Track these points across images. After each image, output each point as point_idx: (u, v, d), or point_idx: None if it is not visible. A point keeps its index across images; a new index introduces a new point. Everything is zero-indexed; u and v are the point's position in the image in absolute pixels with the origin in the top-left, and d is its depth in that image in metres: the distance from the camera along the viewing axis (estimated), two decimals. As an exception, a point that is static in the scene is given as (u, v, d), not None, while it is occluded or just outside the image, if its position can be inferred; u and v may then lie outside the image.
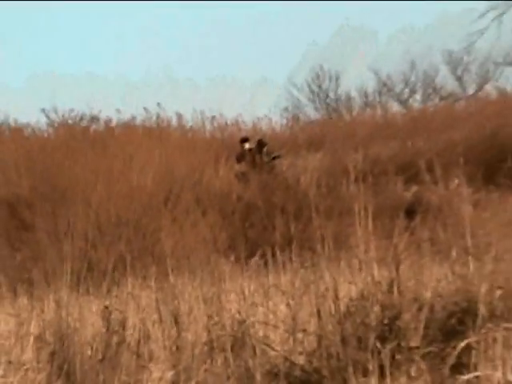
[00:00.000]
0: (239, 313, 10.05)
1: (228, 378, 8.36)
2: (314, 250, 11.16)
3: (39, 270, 11.63)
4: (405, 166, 24.26)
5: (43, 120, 28.23)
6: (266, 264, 12.98)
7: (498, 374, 5.93)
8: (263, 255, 13.56)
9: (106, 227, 18.63)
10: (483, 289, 8.11)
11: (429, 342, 7.80)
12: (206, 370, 8.53)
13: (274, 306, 10.34)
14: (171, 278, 10.76)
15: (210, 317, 9.84)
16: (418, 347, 7.67)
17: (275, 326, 9.69)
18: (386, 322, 8.77)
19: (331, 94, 38.45)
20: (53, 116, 27.88)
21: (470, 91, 36.84)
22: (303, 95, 38.54)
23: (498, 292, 7.93)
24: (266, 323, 9.79)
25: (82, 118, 27.65)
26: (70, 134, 27.20)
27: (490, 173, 21.01)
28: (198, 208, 20.14)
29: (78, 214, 19.26)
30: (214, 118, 28.75)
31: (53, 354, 9.05)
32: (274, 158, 25.22)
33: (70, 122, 27.47)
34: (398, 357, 7.62)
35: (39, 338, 9.44)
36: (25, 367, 8.72)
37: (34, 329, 9.66)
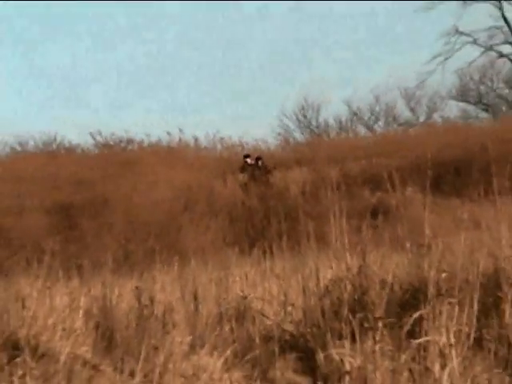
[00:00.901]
0: (242, 291, 10.12)
1: (233, 341, 8.38)
2: (300, 244, 11.24)
3: (87, 260, 11.65)
4: (371, 177, 24.25)
5: (90, 141, 28.24)
6: (263, 254, 13.03)
7: (443, 339, 5.97)
8: (261, 247, 13.62)
9: (138, 227, 18.65)
10: (431, 272, 8.13)
11: (389, 313, 7.80)
12: (216, 336, 8.54)
13: (269, 286, 10.38)
14: (193, 263, 10.80)
15: (219, 294, 9.89)
16: (380, 317, 7.68)
17: (270, 302, 9.74)
18: (356, 297, 8.84)
19: (313, 122, 38.32)
20: (98, 138, 27.91)
21: (421, 119, 36.93)
22: (292, 122, 38.44)
23: (443, 275, 7.95)
24: (262, 299, 9.84)
25: (120, 141, 27.65)
26: (111, 153, 27.18)
27: (436, 182, 20.93)
28: (210, 212, 20.14)
29: (117, 216, 19.35)
30: (222, 139, 28.81)
31: (98, 323, 9.07)
32: (268, 172, 25.26)
33: (111, 143, 27.49)
34: (365, 325, 7.62)
35: (87, 311, 9.43)
36: (76, 333, 8.71)
37: (83, 304, 9.64)
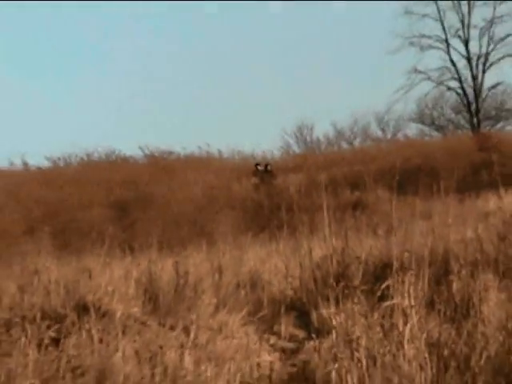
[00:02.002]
0: (254, 266, 10.12)
1: (247, 303, 8.37)
2: (297, 230, 11.23)
3: (137, 242, 11.63)
4: (351, 181, 24.20)
5: (140, 153, 28.33)
6: (269, 238, 13.01)
7: (405, 302, 5.93)
8: (268, 233, 13.61)
9: (176, 217, 18.66)
10: (396, 252, 8.11)
11: (365, 282, 7.76)
12: (234, 299, 8.52)
13: (275, 262, 10.37)
14: (217, 245, 10.77)
15: (237, 268, 9.87)
16: (358, 286, 7.64)
17: (275, 274, 9.73)
18: (339, 271, 8.83)
19: (308, 138, 38.27)
20: (146, 151, 27.99)
21: (389, 136, 36.98)
22: (291, 139, 38.44)
23: (405, 253, 7.92)
24: (269, 272, 9.84)
25: (162, 152, 27.78)
26: (155, 162, 27.19)
27: (400, 184, 20.90)
28: (229, 206, 20.10)
29: (159, 210, 19.40)
30: (239, 151, 28.90)
31: (145, 289, 9.04)
32: (273, 176, 25.26)
33: (155, 154, 27.60)
34: (346, 291, 7.59)
35: (137, 280, 9.39)
36: (128, 297, 8.69)
37: (134, 275, 9.61)
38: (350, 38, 54.41)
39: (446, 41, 37.64)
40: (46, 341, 6.85)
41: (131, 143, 51.78)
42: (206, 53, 61.25)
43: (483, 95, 37.38)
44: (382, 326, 5.36)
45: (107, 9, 60.85)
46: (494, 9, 37.32)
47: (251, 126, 50.66)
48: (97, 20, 62.47)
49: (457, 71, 37.47)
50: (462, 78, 37.45)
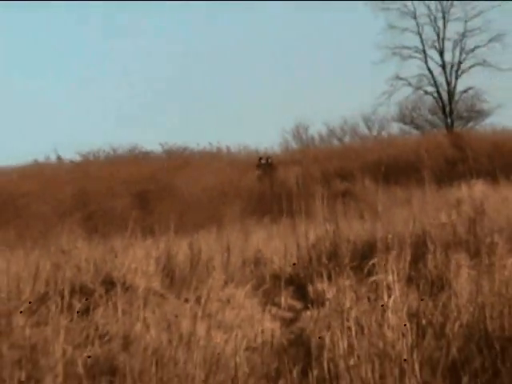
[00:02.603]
0: (258, 246, 10.11)
1: (252, 278, 8.36)
2: (295, 216, 11.22)
3: (157, 226, 11.60)
4: (341, 173, 24.16)
5: (159, 148, 28.33)
6: (271, 222, 13.00)
7: (389, 277, 5.93)
8: (270, 218, 13.60)
9: (190, 205, 18.61)
10: (381, 234, 8.11)
11: (353, 260, 7.76)
12: (240, 275, 8.52)
13: (276, 242, 10.36)
14: (226, 228, 10.76)
15: (243, 248, 9.87)
16: (348, 263, 7.65)
17: (276, 253, 9.71)
18: (331, 250, 8.83)
19: (304, 136, 38.17)
20: (165, 146, 27.99)
21: (374, 134, 36.99)
22: (290, 136, 38.35)
23: (389, 235, 7.91)
24: (271, 251, 9.83)
25: (178, 148, 27.80)
26: (172, 157, 27.19)
27: (384, 176, 20.87)
28: (236, 195, 20.07)
29: (176, 198, 19.35)
30: (245, 147, 28.89)
31: (164, 266, 9.04)
32: (274, 168, 25.27)
33: (173, 149, 27.61)
34: (337, 268, 7.59)
35: (157, 259, 9.38)
36: (149, 274, 8.69)
37: (154, 254, 9.61)
38: (344, 48, 53.81)
39: (424, 51, 37.78)
40: (77, 312, 6.85)
41: (152, 139, 50.73)
42: (205, 54, 57.57)
43: (456, 98, 37.65)
44: (368, 298, 5.35)
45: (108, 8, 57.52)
46: (465, 24, 37.47)
47: (253, 124, 50.13)
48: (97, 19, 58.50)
49: (433, 78, 37.71)
50: (438, 84, 37.72)
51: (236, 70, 55.34)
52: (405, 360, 4.59)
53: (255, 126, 50.52)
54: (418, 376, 4.49)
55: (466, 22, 37.36)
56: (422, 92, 38.00)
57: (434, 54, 37.93)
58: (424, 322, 5.18)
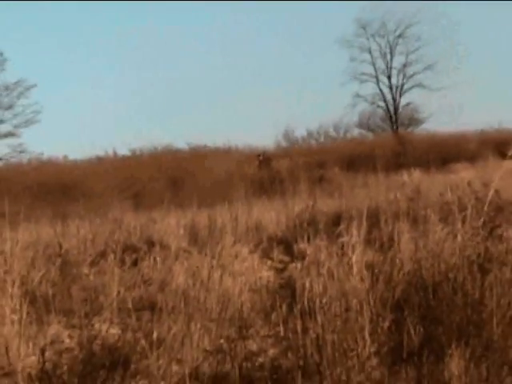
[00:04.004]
0: (258, 216, 10.10)
1: (253, 239, 8.37)
2: (285, 194, 11.22)
3: (184, 203, 11.59)
4: (319, 163, 24.11)
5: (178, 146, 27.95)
6: (268, 200, 12.96)
7: (353, 239, 5.85)
8: (266, 197, 13.55)
9: (206, 189, 18.43)
10: (345, 207, 8.10)
11: (327, 227, 7.71)
12: (245, 237, 8.52)
13: (271, 214, 10.35)
14: (234, 204, 10.71)
15: (247, 218, 9.84)
16: (322, 229, 7.60)
17: (271, 221, 9.73)
18: (310, 219, 8.80)
19: (291, 137, 37.91)
20: (191, 145, 27.62)
21: (341, 136, 37.05)
22: (281, 137, 38.13)
23: (352, 209, 7.85)
24: (267, 220, 9.83)
25: (199, 145, 27.44)
26: (189, 153, 26.94)
27: (349, 165, 20.85)
28: (241, 180, 19.95)
29: (194, 184, 19.27)
30: (248, 145, 28.73)
31: (190, 231, 9.06)
32: (270, 160, 25.22)
33: (196, 146, 27.26)
34: (314, 233, 7.56)
35: (184, 226, 9.40)
36: (179, 236, 8.69)
37: (182, 222, 9.62)
38: (321, 73, 52.22)
39: (376, 77, 37.97)
40: (128, 264, 6.84)
41: (174, 137, 46.96)
42: (205, 58, 50.62)
43: (400, 110, 38.02)
44: (337, 254, 5.31)
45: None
46: (407, 57, 37.78)
47: (254, 128, 48.75)
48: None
49: (383, 96, 38.04)
50: (387, 100, 37.95)
51: (240, 81, 50.99)
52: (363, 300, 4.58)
53: (255, 129, 50.24)
54: (373, 310, 4.47)
55: (407, 55, 37.82)
56: (375, 106, 38.55)
57: (384, 78, 38.24)
58: (377, 270, 5.15)
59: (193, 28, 50.03)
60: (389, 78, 38.13)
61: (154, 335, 4.56)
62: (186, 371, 4.02)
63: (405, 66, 38.01)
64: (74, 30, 49.12)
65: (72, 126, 44.38)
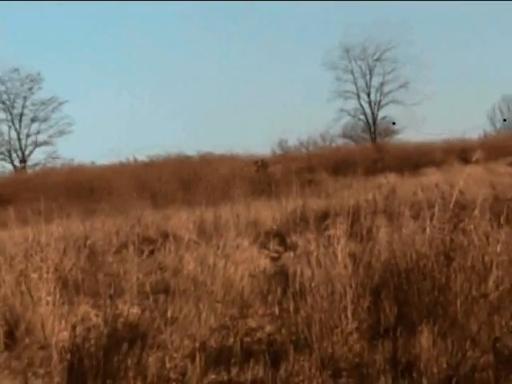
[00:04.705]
0: (255, 213, 10.07)
1: (252, 233, 8.33)
2: (280, 195, 11.19)
3: (194, 202, 11.57)
4: (308, 168, 24.02)
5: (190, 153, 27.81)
6: (264, 200, 12.93)
7: (338, 232, 5.80)
8: (264, 196, 13.52)
9: (214, 188, 18.34)
10: (332, 205, 8.08)
11: (315, 222, 7.69)
12: (245, 231, 8.48)
13: (267, 211, 10.33)
14: (237, 203, 10.68)
15: (247, 215, 9.82)
16: (311, 224, 7.59)
17: (267, 218, 9.70)
18: (301, 216, 8.76)
19: (284, 146, 37.81)
20: (200, 152, 27.46)
21: (328, 145, 37.02)
22: (276, 146, 38.01)
23: (337, 207, 7.84)
24: (264, 217, 9.80)
25: (208, 152, 27.29)
26: (201, 159, 26.85)
27: (335, 170, 20.78)
28: (242, 181, 19.89)
29: (205, 185, 19.17)
30: (248, 152, 28.56)
31: (199, 226, 9.02)
32: (266, 165, 25.13)
33: (204, 153, 27.10)
34: (305, 227, 7.55)
35: (194, 221, 9.36)
36: (190, 229, 8.65)
37: (192, 218, 9.59)
38: (313, 93, 51.42)
39: (358, 94, 37.99)
40: (145, 253, 6.83)
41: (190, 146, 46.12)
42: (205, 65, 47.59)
43: (377, 123, 38.01)
44: (324, 245, 5.31)
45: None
46: (383, 77, 37.78)
47: (254, 137, 47.92)
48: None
49: (363, 110, 38.01)
50: (367, 114, 37.97)
51: (244, 97, 48.13)
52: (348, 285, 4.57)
53: (255, 138, 49.94)
54: (354, 293, 4.47)
55: (383, 76, 37.80)
56: (356, 119, 38.60)
57: (364, 95, 38.25)
58: (358, 259, 5.14)
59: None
60: (368, 95, 38.18)
61: (168, 314, 4.57)
62: (196, 345, 4.02)
63: (382, 84, 38.08)
64: (85, 44, 47.17)
65: (98, 136, 44.37)
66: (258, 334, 4.57)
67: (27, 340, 4.63)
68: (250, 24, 47.77)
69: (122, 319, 4.36)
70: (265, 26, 47.47)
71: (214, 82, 47.58)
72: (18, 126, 33.57)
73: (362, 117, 38.22)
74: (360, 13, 44.16)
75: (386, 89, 38.22)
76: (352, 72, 37.90)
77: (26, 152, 33.74)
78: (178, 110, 47.47)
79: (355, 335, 4.13)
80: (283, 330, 4.39)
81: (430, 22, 47.51)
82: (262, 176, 22.78)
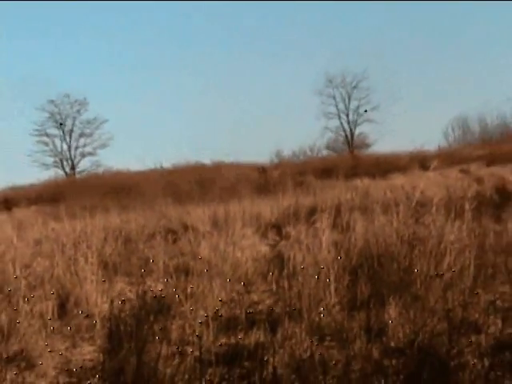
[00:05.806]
0: (257, 209, 10.01)
1: (255, 225, 8.25)
2: (277, 195, 11.14)
3: (208, 200, 11.50)
4: (299, 172, 23.89)
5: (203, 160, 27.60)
6: (265, 198, 12.86)
7: (323, 225, 5.72)
8: (264, 196, 13.45)
9: (223, 190, 17.99)
10: (318, 202, 7.99)
11: (306, 217, 7.64)
12: (249, 222, 8.41)
13: (266, 208, 10.27)
14: (243, 201, 10.62)
15: (251, 210, 9.75)
16: (302, 218, 7.55)
17: (267, 212, 9.65)
18: (294, 211, 8.70)
19: (281, 155, 37.51)
20: (213, 160, 27.34)
21: (315, 155, 36.80)
22: (274, 156, 37.71)
23: (323, 204, 7.71)
24: (264, 211, 9.74)
25: (219, 160, 27.13)
26: (216, 164, 26.61)
27: (321, 175, 20.65)
28: (247, 183, 19.76)
29: (217, 186, 19.03)
30: (254, 162, 28.42)
31: (212, 219, 8.94)
32: (266, 171, 25.02)
33: (216, 161, 26.95)
34: (297, 220, 7.51)
35: (209, 216, 9.25)
36: (204, 222, 8.53)
37: (207, 213, 9.49)
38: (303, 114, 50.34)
39: (339, 115, 37.85)
40: (170, 241, 6.82)
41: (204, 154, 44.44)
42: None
43: (355, 138, 37.85)
44: (312, 235, 5.29)
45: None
46: (359, 101, 37.52)
47: (253, 147, 46.45)
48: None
49: (343, 128, 37.90)
50: (346, 130, 37.81)
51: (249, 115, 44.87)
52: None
53: (257, 149, 49.57)
54: (337, 273, 4.45)
55: (359, 100, 37.64)
56: (338, 134, 38.58)
57: (344, 116, 37.97)
58: (339, 246, 5.12)
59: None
60: (347, 115, 38.09)
61: (188, 290, 4.57)
62: (210, 314, 4.02)
63: (358, 107, 37.92)
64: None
65: (132, 147, 44.32)
66: (260, 306, 4.58)
67: (75, 311, 4.68)
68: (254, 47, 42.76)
69: (150, 294, 4.38)
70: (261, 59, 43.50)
71: (224, 100, 45.55)
72: (68, 140, 34.87)
73: (342, 133, 38.39)
74: (343, 38, 42.70)
75: (361, 110, 38.25)
76: (334, 97, 37.97)
77: (75, 161, 34.90)
78: (197, 120, 45.19)
79: (337, 307, 4.15)
80: (280, 303, 4.39)
81: (402, 48, 46.00)
82: (263, 179, 22.74)
